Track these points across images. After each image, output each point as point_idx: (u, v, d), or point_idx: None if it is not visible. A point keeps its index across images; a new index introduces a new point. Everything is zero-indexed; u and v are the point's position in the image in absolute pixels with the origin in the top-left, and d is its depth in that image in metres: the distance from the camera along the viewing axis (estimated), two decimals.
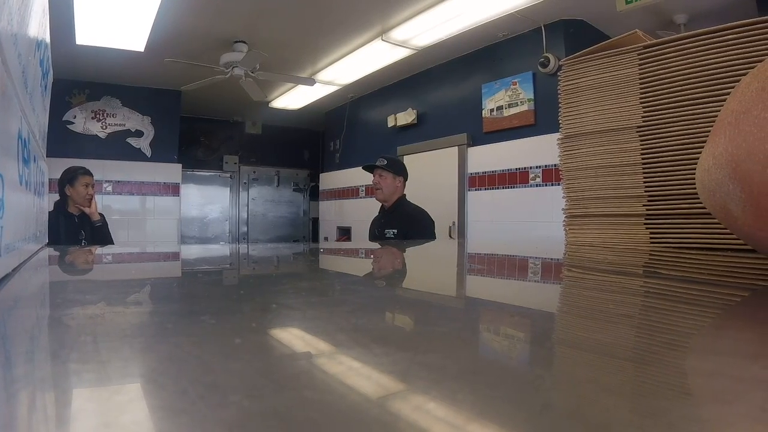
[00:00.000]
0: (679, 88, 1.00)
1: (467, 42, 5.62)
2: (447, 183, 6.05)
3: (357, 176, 7.41)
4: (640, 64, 1.10)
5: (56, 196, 4.08)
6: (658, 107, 1.05)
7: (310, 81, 6.46)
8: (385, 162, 4.13)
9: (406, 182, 4.24)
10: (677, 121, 1.01)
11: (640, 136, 1.09)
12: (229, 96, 7.52)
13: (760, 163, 0.34)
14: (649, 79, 1.07)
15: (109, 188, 7.09)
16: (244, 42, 5.68)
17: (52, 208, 4.03)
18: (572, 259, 1.07)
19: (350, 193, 8.22)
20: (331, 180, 8.95)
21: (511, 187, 5.37)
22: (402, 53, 5.85)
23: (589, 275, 0.83)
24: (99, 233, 4.13)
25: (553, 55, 5.00)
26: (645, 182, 1.10)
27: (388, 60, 6.09)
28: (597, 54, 1.18)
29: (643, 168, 1.09)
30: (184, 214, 8.18)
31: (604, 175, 1.16)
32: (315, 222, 9.81)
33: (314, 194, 9.85)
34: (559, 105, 1.25)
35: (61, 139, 6.67)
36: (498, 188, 5.54)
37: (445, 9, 4.71)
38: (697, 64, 0.97)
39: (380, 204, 4.25)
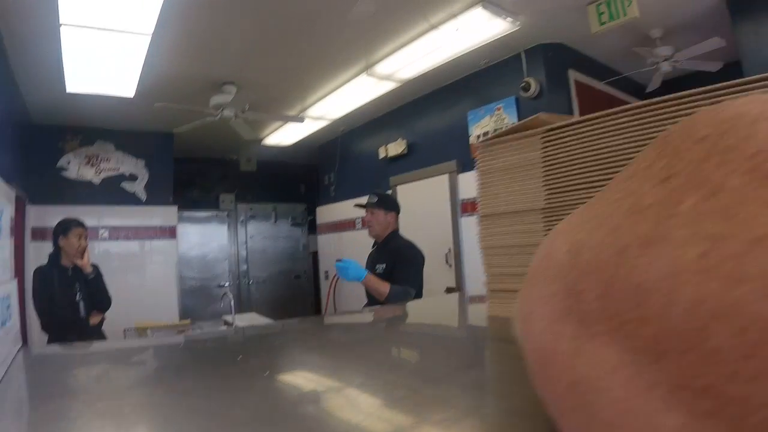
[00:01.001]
0: (577, 171, 1.03)
1: (451, 71, 5.72)
2: (440, 210, 6.10)
3: (353, 209, 7.45)
4: (542, 148, 1.15)
5: (50, 246, 4.14)
6: (559, 190, 1.09)
7: (300, 119, 6.55)
8: (376, 199, 4.17)
9: (399, 215, 4.29)
10: (576, 204, 1.04)
11: (543, 218, 1.13)
12: (222, 135, 7.57)
13: (522, 337, 0.35)
14: (551, 162, 1.12)
15: (106, 234, 7.11)
16: (233, 83, 5.76)
17: (46, 261, 4.10)
18: (495, 333, 1.14)
19: (347, 225, 8.27)
20: (327, 213, 9.01)
21: None
22: (387, 86, 5.95)
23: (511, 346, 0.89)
24: (93, 286, 4.16)
25: (534, 79, 5.10)
26: None
27: (374, 93, 6.19)
28: (508, 137, 1.24)
29: None
30: (183, 255, 8.20)
31: (517, 254, 1.21)
32: (315, 256, 9.81)
33: (312, 228, 9.86)
34: (478, 185, 1.32)
35: (55, 187, 6.74)
36: None
37: (426, 42, 4.81)
38: (592, 147, 1.01)
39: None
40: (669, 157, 0.24)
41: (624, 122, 0.95)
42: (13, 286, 0.92)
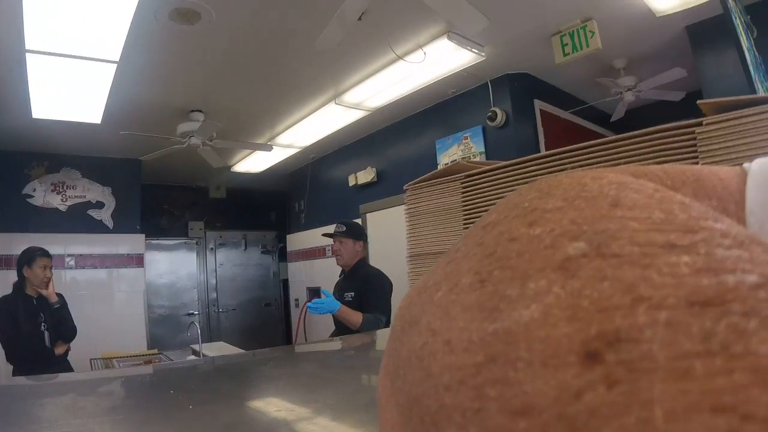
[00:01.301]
0: None
1: (419, 100, 5.77)
2: None
3: (322, 236, 7.47)
4: (462, 193, 1.18)
5: (14, 274, 4.10)
6: None
7: (268, 147, 6.55)
8: (344, 228, 4.19)
9: (367, 244, 4.31)
10: None
11: None
12: (190, 163, 7.53)
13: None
14: (470, 207, 1.15)
15: (72, 262, 7.00)
16: (200, 111, 5.75)
17: (10, 290, 4.05)
18: None
19: (317, 253, 8.24)
20: (298, 241, 8.97)
21: None
22: (356, 115, 5.98)
23: None
24: (58, 315, 4.11)
25: (500, 109, 5.16)
26: None
27: (344, 122, 6.21)
28: (432, 181, 1.26)
29: None
30: (151, 283, 8.12)
31: None
32: (285, 283, 9.76)
33: (283, 256, 9.82)
34: (406, 225, 1.34)
35: (20, 214, 6.64)
36: None
37: (393, 72, 4.86)
38: (506, 193, 1.05)
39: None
40: (464, 238, 0.25)
41: (533, 170, 0.98)
42: None
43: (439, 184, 1.24)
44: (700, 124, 0.88)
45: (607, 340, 0.15)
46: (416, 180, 1.30)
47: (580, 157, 0.94)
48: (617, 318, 0.15)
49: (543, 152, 0.98)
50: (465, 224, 1.16)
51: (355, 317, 3.72)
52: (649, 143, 0.92)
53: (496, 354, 0.17)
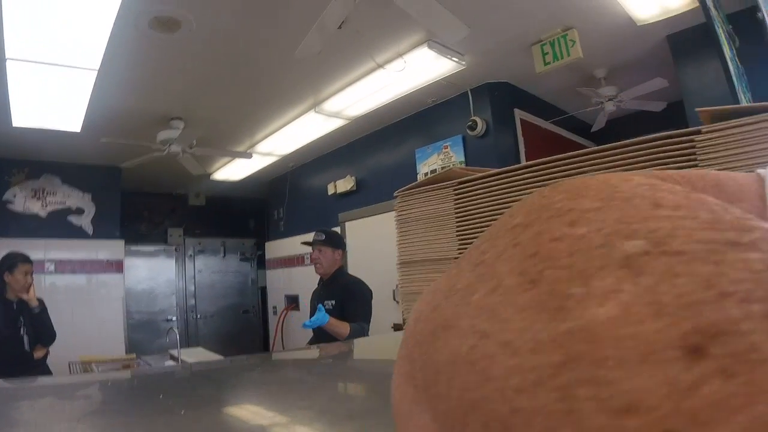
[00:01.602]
0: (488, 222, 1.07)
1: (399, 109, 5.80)
2: (388, 247, 6.06)
3: (301, 245, 7.45)
4: (455, 199, 1.19)
5: None
6: (471, 240, 1.12)
7: (247, 155, 6.55)
8: (324, 236, 4.20)
9: (345, 253, 4.33)
10: None
11: None
12: (170, 170, 7.49)
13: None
14: (463, 213, 1.16)
15: (52, 268, 6.97)
16: (180, 119, 5.74)
17: None
18: None
19: (296, 261, 8.23)
20: (276, 248, 8.96)
21: None
22: (336, 123, 6.00)
23: None
24: (38, 320, 4.10)
25: (480, 118, 5.19)
26: None
27: (323, 130, 6.23)
28: (424, 188, 1.28)
29: None
30: (130, 289, 8.07)
31: None
32: (263, 291, 9.72)
33: (261, 263, 9.79)
34: (396, 232, 1.36)
35: (0, 220, 6.62)
36: None
37: (373, 81, 4.88)
38: (500, 200, 1.06)
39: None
40: (488, 240, 0.25)
41: (527, 178, 0.99)
42: None
43: (430, 190, 1.25)
44: (698, 132, 0.89)
45: (709, 333, 0.15)
46: (407, 186, 1.31)
47: (576, 165, 0.95)
48: (708, 312, 0.16)
49: (538, 159, 1.00)
50: (458, 231, 1.17)
51: (343, 328, 3.74)
52: (647, 151, 0.94)
53: (577, 354, 0.17)
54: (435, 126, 5.82)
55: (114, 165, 7.18)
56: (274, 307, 8.90)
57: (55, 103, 4.91)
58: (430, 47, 4.32)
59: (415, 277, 1.30)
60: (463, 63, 4.69)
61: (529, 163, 1.01)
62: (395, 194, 1.36)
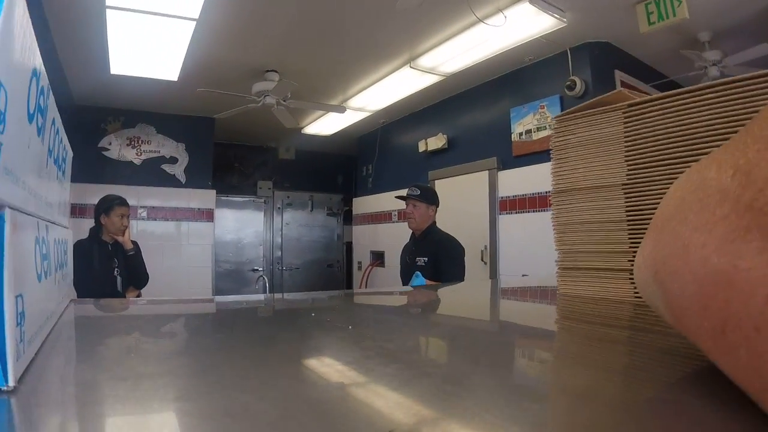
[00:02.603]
0: (662, 146, 1.01)
1: (495, 67, 5.66)
2: (478, 207, 6.05)
3: (390, 201, 7.44)
4: (624, 123, 1.12)
5: (91, 222, 4.19)
6: (641, 165, 1.07)
7: (341, 108, 6.53)
8: (418, 192, 4.17)
9: (437, 210, 4.29)
10: (660, 179, 1.03)
11: (624, 193, 1.11)
12: (262, 123, 7.62)
13: (670, 276, 0.36)
14: (633, 137, 1.09)
15: (144, 214, 7.24)
16: (276, 71, 5.78)
17: (87, 235, 4.15)
18: (564, 311, 1.11)
19: (383, 217, 8.25)
20: (364, 205, 9.02)
21: (542, 210, 5.37)
22: (430, 79, 5.91)
23: (580, 326, 0.87)
24: (132, 262, 4.21)
25: (579, 78, 5.01)
26: (629, 238, 1.11)
27: (417, 86, 6.15)
28: (586, 112, 1.20)
29: (628, 224, 1.11)
30: (218, 239, 8.26)
31: (593, 231, 1.17)
32: (349, 246, 9.83)
33: (348, 219, 9.90)
34: (551, 159, 1.28)
35: (97, 166, 6.85)
36: (529, 211, 5.54)
37: (471, 36, 4.76)
38: (677, 123, 0.99)
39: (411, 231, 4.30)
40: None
41: (710, 98, 0.92)
42: (69, 234, 0.92)
43: (596, 113, 1.18)
44: None
45: None
46: (567, 111, 1.24)
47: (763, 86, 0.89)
48: None
49: (721, 80, 0.93)
50: (627, 156, 1.10)
51: None
52: None
53: None
54: (532, 85, 5.66)
55: (208, 116, 7.31)
56: (359, 263, 8.97)
57: (153, 51, 4.99)
58: (531, 2, 4.18)
59: (573, 207, 1.23)
60: (564, 20, 4.52)
61: (711, 83, 0.93)
62: (554, 118, 1.30)
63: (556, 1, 4.27)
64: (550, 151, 1.28)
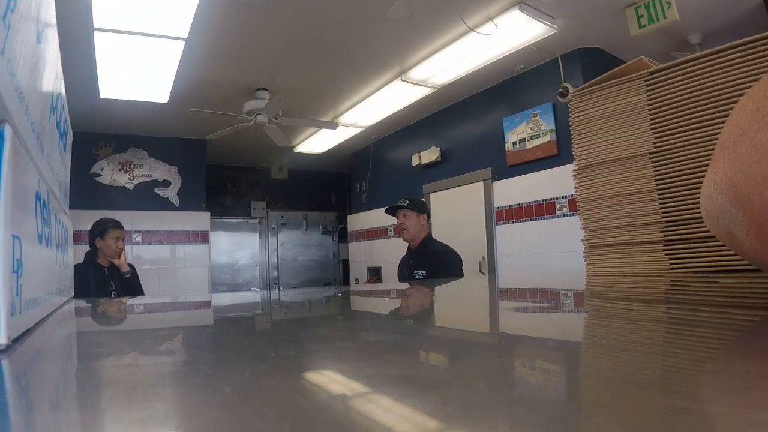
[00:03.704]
0: (688, 111, 1.00)
1: (486, 77, 5.66)
2: (475, 218, 6.03)
3: (385, 216, 7.39)
4: (647, 91, 1.10)
5: (86, 248, 4.14)
6: (668, 132, 1.05)
7: (333, 125, 6.52)
8: (407, 202, 4.14)
9: (430, 220, 4.25)
10: (688, 144, 1.01)
11: (652, 162, 1.09)
12: (254, 143, 7.62)
13: (758, 186, 0.34)
14: (658, 104, 1.07)
15: (139, 238, 7.18)
16: (266, 89, 5.76)
17: (82, 260, 4.10)
18: (594, 290, 1.07)
19: (379, 233, 8.23)
20: (359, 221, 8.98)
21: (538, 219, 5.35)
22: (422, 92, 5.90)
23: (611, 305, 0.83)
24: (128, 284, 4.16)
25: (571, 85, 5.00)
26: (661, 208, 1.09)
27: (408, 99, 6.14)
28: (605, 83, 1.18)
29: (658, 194, 1.09)
30: (214, 261, 8.23)
31: (620, 204, 1.15)
32: (345, 264, 9.83)
33: (343, 236, 9.86)
34: (572, 136, 1.25)
35: (89, 192, 6.80)
36: (525, 221, 5.52)
37: (462, 46, 4.76)
38: (703, 86, 0.97)
39: (407, 244, 4.25)
40: None
41: (734, 59, 0.90)
42: (69, 222, 0.90)
43: (616, 84, 1.15)
44: None
45: None
46: (583, 85, 1.21)
47: None
48: None
49: (745, 39, 0.90)
50: (653, 124, 1.07)
51: None
52: None
53: None
54: (524, 94, 5.66)
55: (199, 138, 7.30)
56: (356, 280, 8.93)
57: (143, 73, 4.97)
58: (521, 10, 4.18)
59: (597, 182, 1.20)
60: (555, 27, 4.52)
61: (734, 43, 0.91)
62: (571, 94, 1.27)
63: (547, 8, 4.27)
64: (570, 127, 1.25)
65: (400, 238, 4.27)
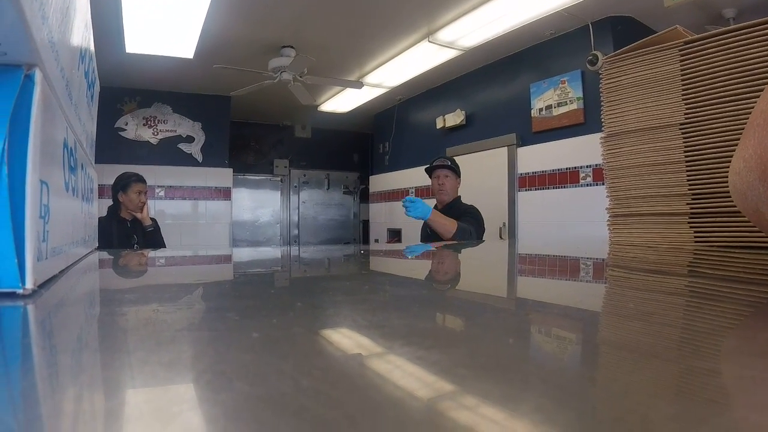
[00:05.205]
0: (722, 83, 0.98)
1: (514, 41, 5.57)
2: (497, 184, 6.00)
3: (407, 178, 7.42)
4: (681, 61, 1.08)
5: (110, 201, 4.17)
6: (700, 104, 1.03)
7: (358, 84, 6.48)
8: (449, 162, 4.11)
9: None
10: (720, 117, 0.99)
11: (683, 133, 1.07)
12: (278, 100, 7.60)
13: None
14: (691, 75, 1.05)
15: (162, 193, 7.24)
16: (292, 47, 5.71)
17: (105, 213, 4.13)
18: (616, 259, 1.06)
19: (400, 194, 8.17)
20: (380, 182, 8.96)
21: (561, 187, 5.31)
22: (449, 54, 5.83)
23: (633, 275, 0.82)
24: (151, 238, 4.20)
25: (601, 53, 4.91)
26: (689, 180, 1.07)
27: (435, 61, 6.07)
28: (638, 51, 1.16)
29: (687, 166, 1.07)
30: (235, 217, 8.27)
31: (648, 174, 1.14)
32: (365, 224, 9.84)
33: (364, 197, 9.88)
34: (602, 103, 1.24)
35: (113, 146, 6.83)
36: (548, 188, 5.48)
37: (491, 9, 4.67)
38: (739, 59, 0.95)
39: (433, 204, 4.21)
40: None
41: None
42: (95, 175, 0.90)
43: (649, 53, 1.14)
44: None
45: None
46: (616, 52, 1.20)
47: None
48: None
49: None
50: (684, 94, 1.06)
51: (450, 223, 3.65)
52: None
53: None
54: (552, 60, 5.57)
55: (224, 94, 7.28)
56: (376, 240, 8.94)
57: (169, 29, 4.94)
58: None
59: (625, 150, 1.19)
60: None
61: None
62: (603, 60, 1.25)
63: None
64: (600, 94, 1.24)
65: (432, 199, 4.25)
